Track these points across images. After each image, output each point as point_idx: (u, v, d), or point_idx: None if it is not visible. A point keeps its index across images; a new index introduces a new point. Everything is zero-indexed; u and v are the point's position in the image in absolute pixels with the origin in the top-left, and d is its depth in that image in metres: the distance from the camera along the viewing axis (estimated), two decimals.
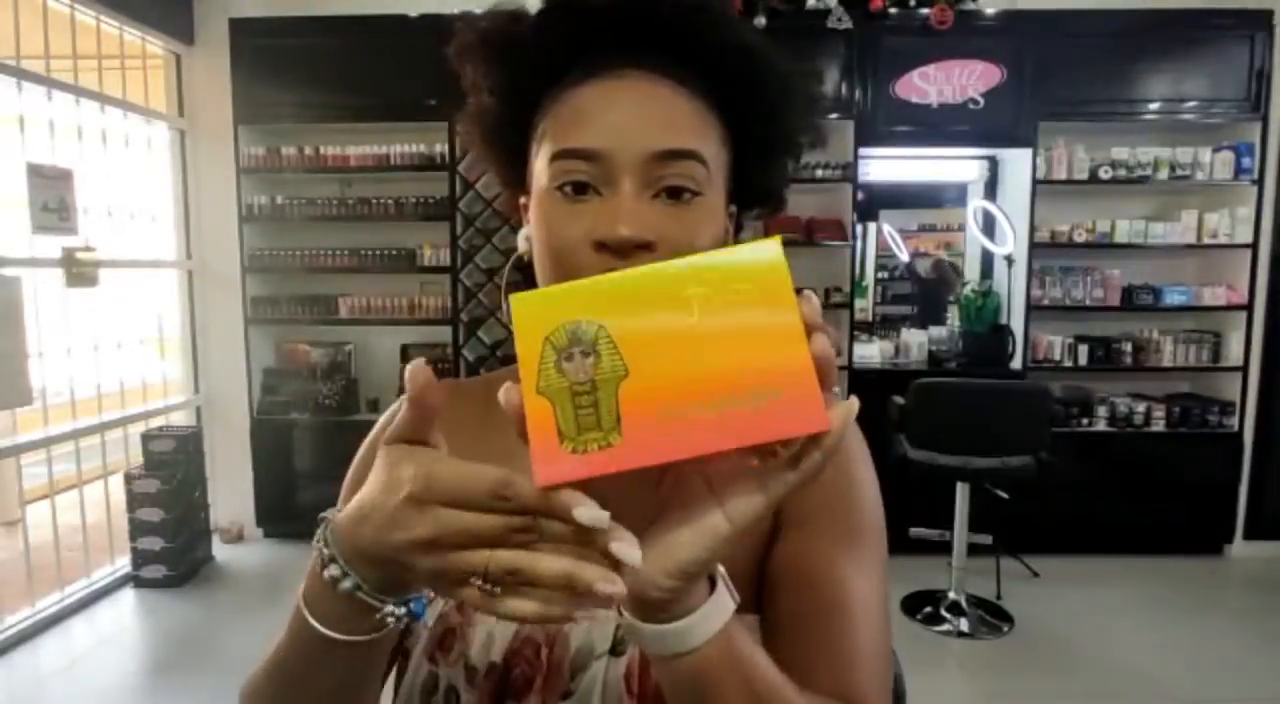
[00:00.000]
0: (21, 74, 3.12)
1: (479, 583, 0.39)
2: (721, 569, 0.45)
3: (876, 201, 4.45)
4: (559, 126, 0.58)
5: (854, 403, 0.39)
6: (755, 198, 0.67)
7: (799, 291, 0.38)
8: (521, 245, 0.64)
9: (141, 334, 3.95)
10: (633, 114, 0.56)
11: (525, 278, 0.65)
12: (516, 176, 0.65)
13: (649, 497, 0.42)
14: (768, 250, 0.39)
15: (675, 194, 0.56)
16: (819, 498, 0.61)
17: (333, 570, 0.44)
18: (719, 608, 0.44)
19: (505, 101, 0.63)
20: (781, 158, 0.66)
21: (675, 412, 0.38)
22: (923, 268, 4.67)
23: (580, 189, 0.56)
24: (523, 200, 0.65)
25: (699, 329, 0.38)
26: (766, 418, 0.37)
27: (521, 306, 0.39)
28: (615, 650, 0.61)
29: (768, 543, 0.62)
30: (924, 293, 4.67)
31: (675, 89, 0.58)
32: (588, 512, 0.37)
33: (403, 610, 0.45)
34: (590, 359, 0.38)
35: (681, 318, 0.38)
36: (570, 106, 0.58)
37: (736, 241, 0.66)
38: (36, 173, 3.08)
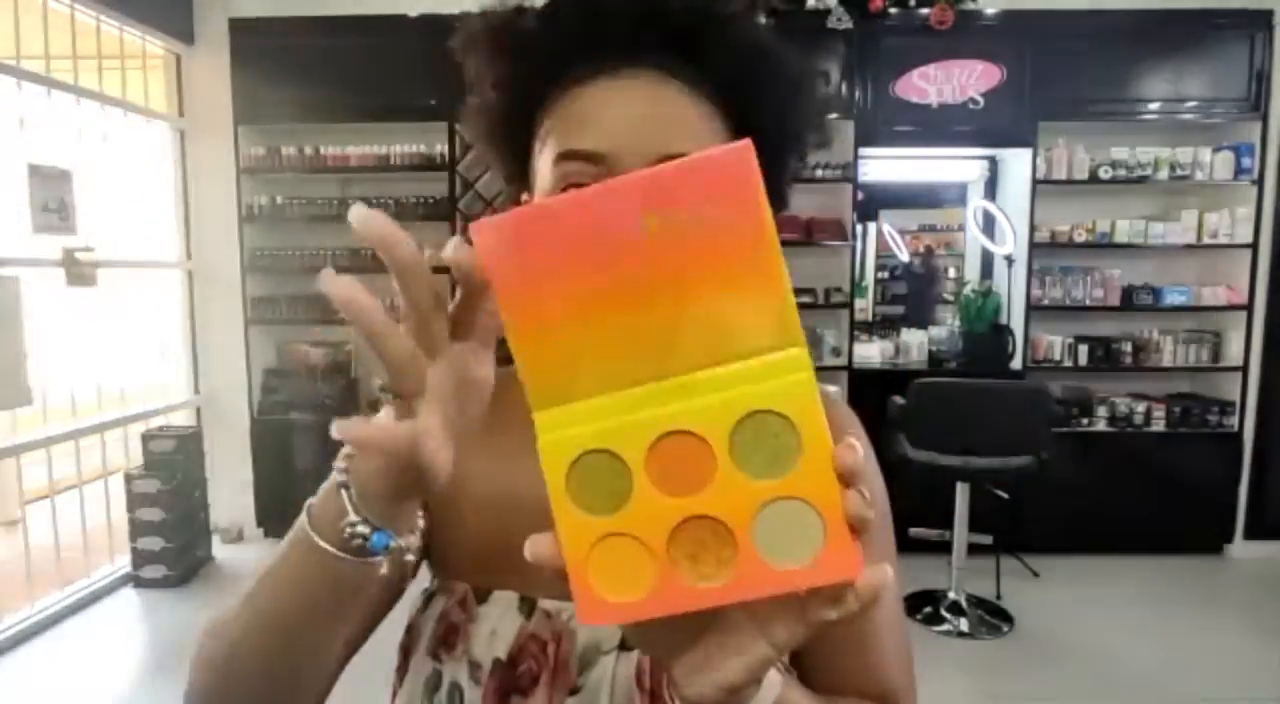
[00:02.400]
0: (21, 74, 3.12)
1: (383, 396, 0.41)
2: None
3: (876, 201, 4.45)
4: (564, 127, 0.57)
5: (887, 571, 0.38)
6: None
7: (843, 440, 0.36)
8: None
9: (141, 334, 3.95)
10: (637, 116, 0.56)
11: None
12: (519, 172, 0.64)
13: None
14: (797, 380, 0.36)
15: None
16: None
17: (339, 475, 0.45)
18: (768, 690, 0.44)
19: (509, 97, 0.62)
20: (788, 157, 0.65)
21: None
22: (913, 264, 4.67)
23: (583, 183, 0.56)
24: (525, 197, 0.64)
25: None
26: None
27: (544, 426, 0.39)
28: (624, 646, 0.60)
29: None
30: (914, 290, 4.67)
31: (682, 90, 0.57)
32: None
33: (366, 529, 0.44)
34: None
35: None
36: (575, 106, 0.57)
37: None
38: (36, 173, 3.08)
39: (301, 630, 0.49)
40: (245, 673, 0.50)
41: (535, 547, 0.40)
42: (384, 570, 0.46)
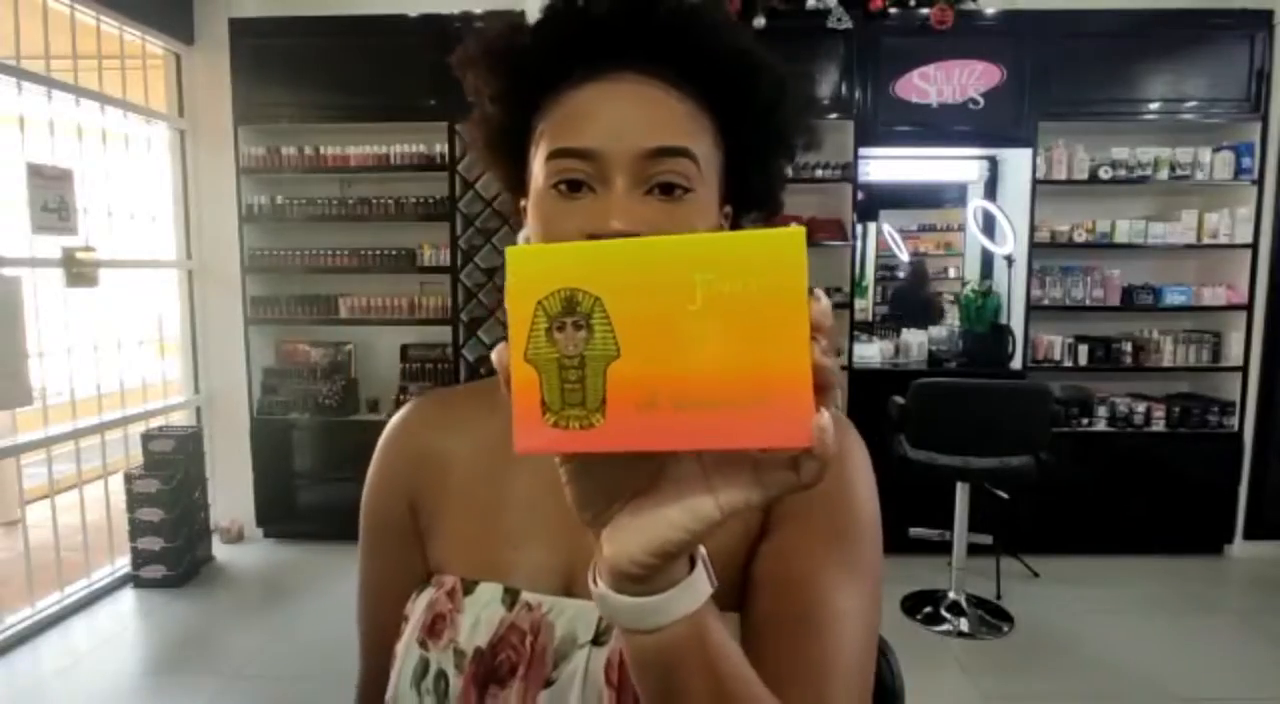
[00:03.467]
0: (21, 74, 3.12)
1: None
2: (703, 551, 0.44)
3: (876, 201, 4.45)
4: (555, 127, 0.59)
5: (826, 418, 0.36)
6: (751, 199, 0.68)
7: (811, 291, 0.36)
8: (521, 240, 0.66)
9: (141, 334, 3.95)
10: (626, 114, 0.58)
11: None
12: (518, 180, 0.66)
13: (642, 465, 0.41)
14: (788, 244, 0.35)
15: (667, 190, 0.58)
16: (810, 498, 0.60)
17: None
18: (694, 590, 0.43)
19: (506, 108, 0.65)
20: (775, 159, 0.67)
21: (661, 401, 0.36)
22: (902, 269, 4.67)
23: (575, 186, 0.58)
24: (522, 203, 0.66)
25: (699, 319, 0.36)
26: (752, 423, 0.36)
27: (517, 262, 0.38)
28: (598, 640, 0.62)
29: (755, 541, 0.62)
30: (903, 293, 4.67)
31: (669, 91, 0.59)
32: None
33: None
34: (582, 333, 0.37)
35: (683, 304, 0.36)
36: (566, 108, 0.60)
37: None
38: (36, 173, 3.08)
39: None
40: None
41: (499, 353, 0.39)
42: None
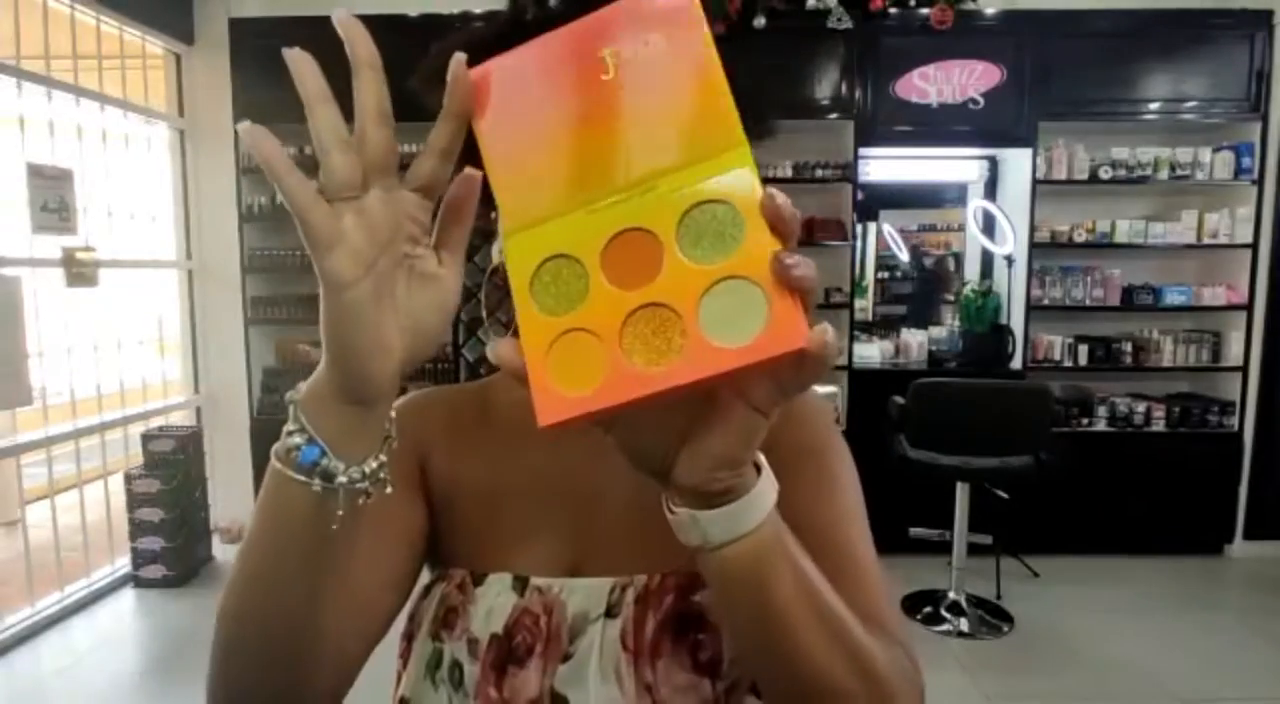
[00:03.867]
0: (21, 74, 3.12)
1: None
2: (760, 455, 0.47)
3: (876, 201, 4.45)
4: None
5: (828, 328, 0.38)
6: None
7: (765, 183, 0.38)
8: (495, 258, 0.68)
9: (141, 334, 3.95)
10: None
11: (504, 289, 0.69)
12: (485, 195, 0.67)
13: (679, 407, 0.43)
14: (738, 172, 0.39)
15: None
16: (797, 455, 0.63)
17: (291, 392, 0.46)
18: (769, 485, 0.46)
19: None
20: None
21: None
22: (925, 262, 4.68)
23: None
24: (493, 215, 0.68)
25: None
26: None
27: (512, 248, 0.42)
28: (610, 613, 0.64)
29: None
30: (922, 289, 4.68)
31: None
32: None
33: (299, 440, 0.45)
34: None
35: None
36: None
37: None
38: (36, 173, 3.08)
39: (278, 564, 0.48)
40: (239, 618, 0.51)
41: (499, 349, 0.41)
42: (315, 488, 0.44)
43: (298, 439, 0.45)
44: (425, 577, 0.73)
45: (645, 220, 0.39)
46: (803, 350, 0.37)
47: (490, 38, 0.65)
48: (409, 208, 0.44)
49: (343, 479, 0.45)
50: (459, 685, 0.65)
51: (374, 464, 0.46)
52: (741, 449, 0.43)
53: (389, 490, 0.47)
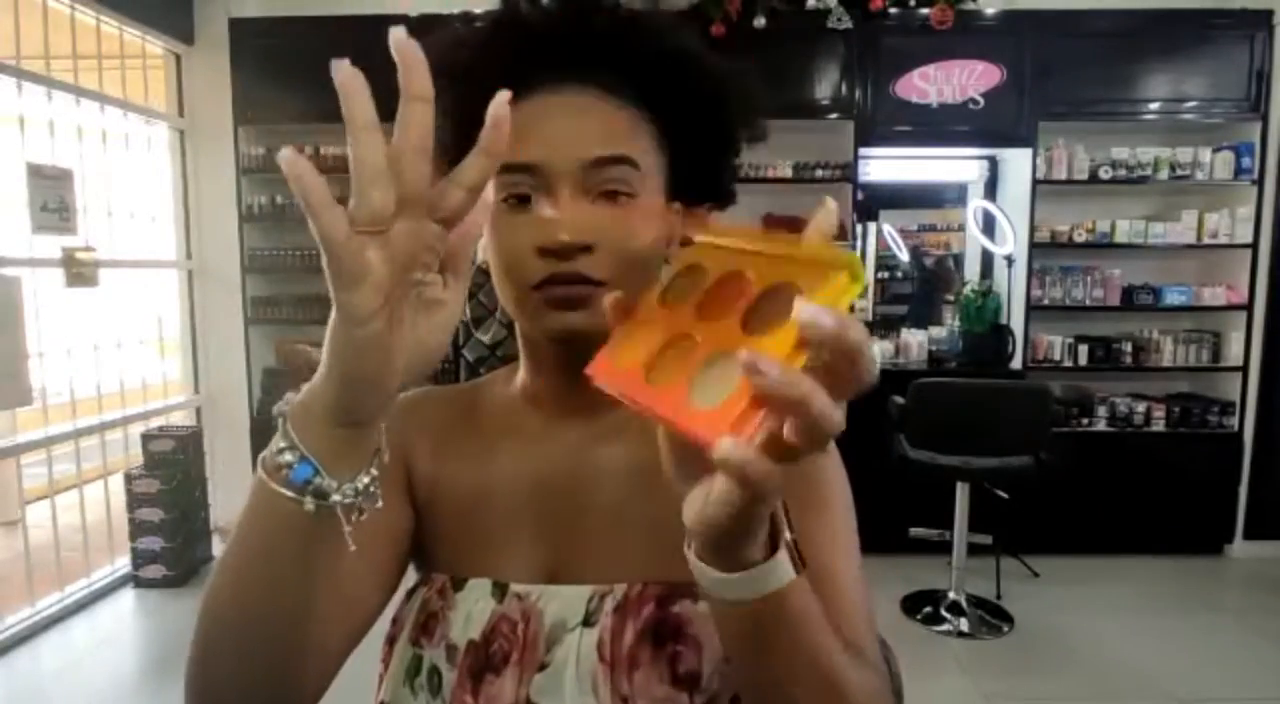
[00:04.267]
0: (21, 74, 3.12)
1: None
2: (789, 536, 0.46)
3: (876, 201, 4.45)
4: None
5: (742, 451, 0.35)
6: (702, 193, 0.71)
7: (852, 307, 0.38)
8: (479, 255, 0.68)
9: (141, 334, 3.95)
10: (565, 126, 0.61)
11: (488, 282, 0.70)
12: None
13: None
14: (835, 276, 0.37)
15: (610, 197, 0.61)
16: (792, 481, 0.63)
17: (280, 405, 0.47)
18: (772, 575, 0.44)
19: (456, 124, 0.66)
20: (721, 155, 0.70)
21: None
22: (924, 262, 4.68)
23: (523, 200, 0.61)
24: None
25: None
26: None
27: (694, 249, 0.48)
28: (588, 622, 0.63)
29: None
30: (922, 289, 4.67)
31: (606, 99, 0.62)
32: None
33: (291, 458, 0.44)
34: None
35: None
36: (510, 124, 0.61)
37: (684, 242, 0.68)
38: (36, 173, 3.08)
39: (266, 573, 0.48)
40: (224, 621, 0.50)
41: (610, 299, 0.47)
42: (308, 508, 0.44)
43: (289, 457, 0.44)
44: (411, 578, 0.73)
45: (753, 272, 0.42)
46: (704, 446, 0.35)
47: (482, 36, 0.65)
48: (429, 239, 0.42)
49: (337, 498, 0.45)
50: (437, 692, 0.65)
51: (365, 480, 0.46)
52: (712, 515, 0.40)
53: (379, 504, 0.47)
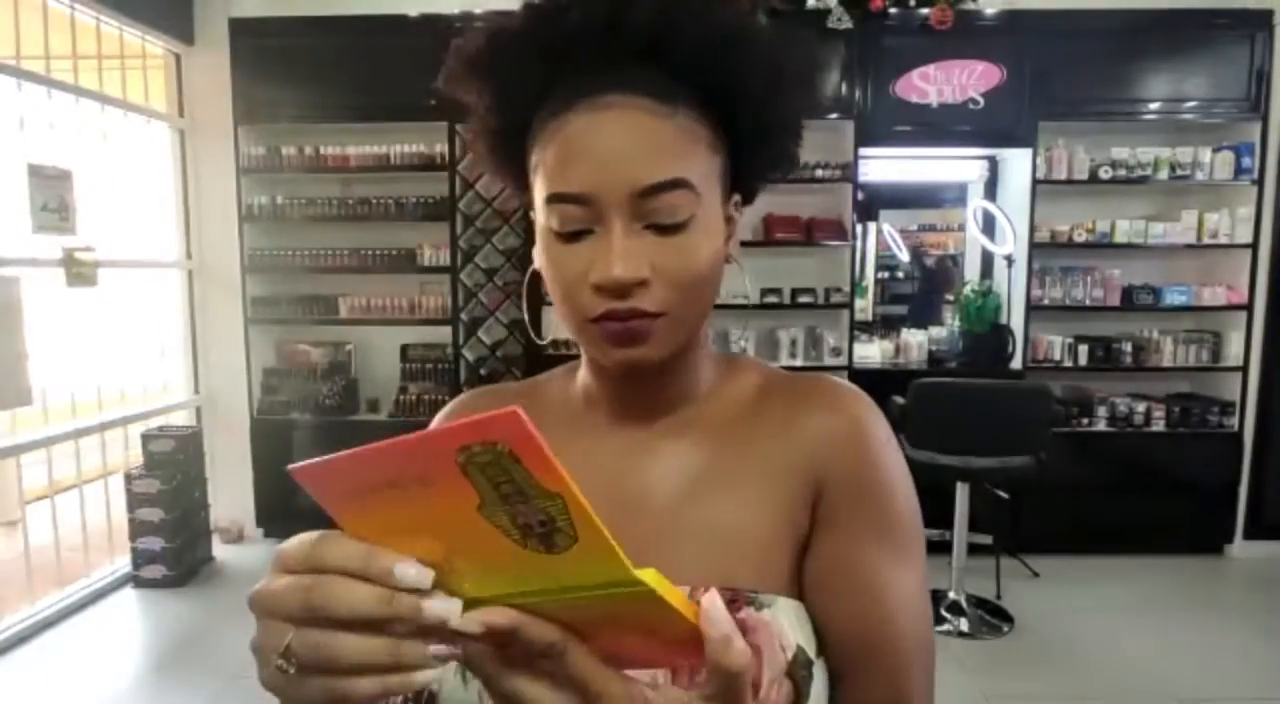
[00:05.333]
0: (21, 74, 3.12)
1: (279, 662, 0.37)
2: None
3: (876, 201, 4.45)
4: (547, 166, 0.60)
5: None
6: (760, 176, 0.69)
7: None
8: (537, 260, 0.66)
9: (141, 334, 3.95)
10: (614, 150, 0.57)
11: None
12: (525, 185, 0.67)
13: None
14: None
15: (665, 223, 0.58)
16: (853, 495, 0.63)
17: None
18: None
19: (499, 122, 0.65)
20: (785, 133, 0.67)
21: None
22: (925, 262, 4.68)
23: (574, 229, 0.59)
24: (532, 214, 0.67)
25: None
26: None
27: None
28: None
29: (805, 534, 0.64)
30: (923, 290, 4.68)
31: (656, 109, 0.58)
32: (406, 569, 0.36)
33: None
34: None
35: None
36: (555, 143, 0.59)
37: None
38: (36, 173, 3.08)
39: None
40: None
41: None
42: None
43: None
44: None
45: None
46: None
47: (514, 33, 0.63)
48: None
49: None
50: None
51: None
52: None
53: None
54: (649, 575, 0.36)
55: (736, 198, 0.67)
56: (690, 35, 0.59)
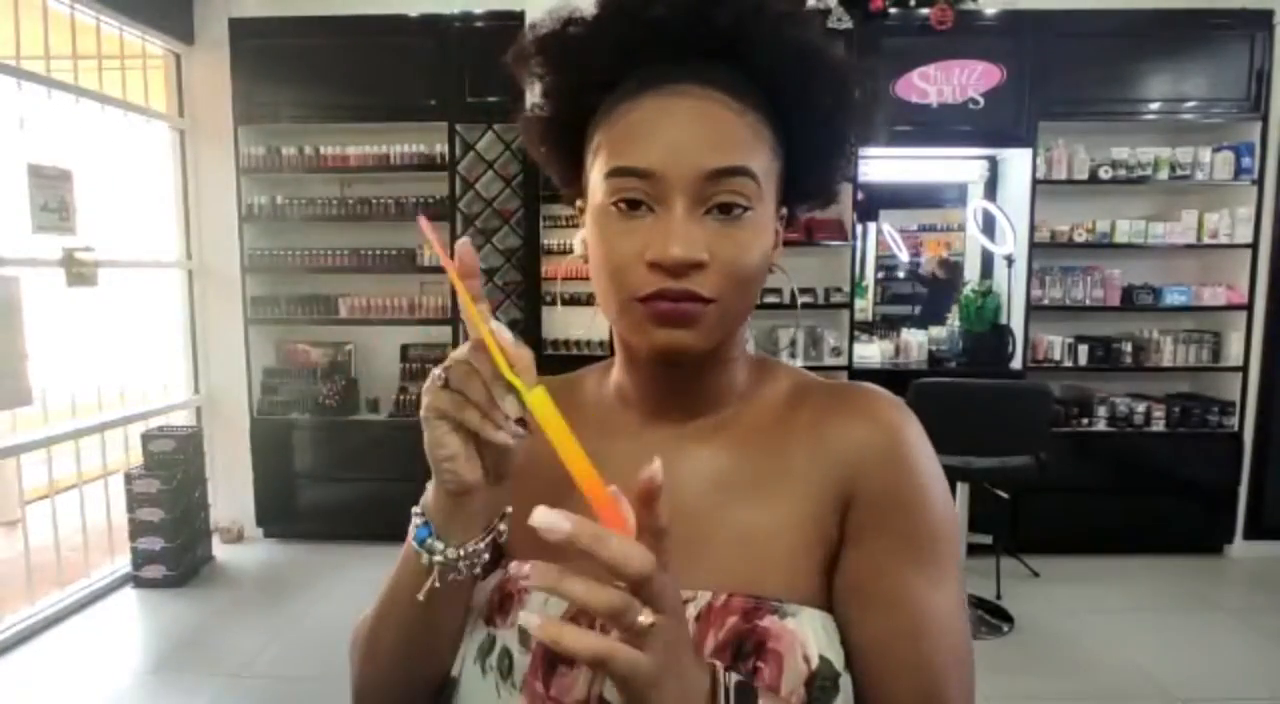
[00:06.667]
0: (21, 74, 3.12)
1: (438, 374, 0.53)
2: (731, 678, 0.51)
3: (876, 201, 4.45)
4: (614, 142, 0.59)
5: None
6: (807, 195, 0.69)
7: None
8: (578, 249, 0.67)
9: (141, 334, 3.95)
10: (685, 132, 0.58)
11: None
12: (574, 177, 0.67)
13: None
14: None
15: (726, 210, 0.58)
16: (885, 508, 0.62)
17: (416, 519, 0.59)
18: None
19: (561, 108, 0.65)
20: (834, 158, 0.67)
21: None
22: (930, 265, 4.68)
23: (634, 205, 0.58)
24: (579, 204, 0.67)
25: None
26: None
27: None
28: None
29: (835, 544, 0.63)
30: (930, 292, 4.67)
31: (727, 104, 0.59)
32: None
33: (418, 521, 0.58)
34: None
35: None
36: (625, 122, 0.59)
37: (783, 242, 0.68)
38: (36, 173, 3.08)
39: (399, 606, 0.62)
40: (379, 639, 0.65)
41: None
42: (424, 560, 0.58)
43: (416, 519, 0.58)
44: None
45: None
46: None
47: (591, 20, 0.63)
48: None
49: (438, 559, 0.58)
50: (507, 675, 0.64)
51: (470, 547, 0.58)
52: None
53: (476, 572, 0.60)
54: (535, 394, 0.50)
55: (783, 210, 0.67)
56: (767, 42, 0.60)
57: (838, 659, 0.60)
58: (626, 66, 0.61)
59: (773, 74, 0.61)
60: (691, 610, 0.61)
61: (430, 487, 0.58)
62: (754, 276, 0.60)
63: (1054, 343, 4.00)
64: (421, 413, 0.54)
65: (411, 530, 0.58)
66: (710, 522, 0.64)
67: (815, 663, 0.59)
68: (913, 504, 0.62)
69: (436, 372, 0.53)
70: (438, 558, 0.57)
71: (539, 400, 0.49)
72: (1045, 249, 3.94)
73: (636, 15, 0.60)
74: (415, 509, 0.58)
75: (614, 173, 0.58)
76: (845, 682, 0.60)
